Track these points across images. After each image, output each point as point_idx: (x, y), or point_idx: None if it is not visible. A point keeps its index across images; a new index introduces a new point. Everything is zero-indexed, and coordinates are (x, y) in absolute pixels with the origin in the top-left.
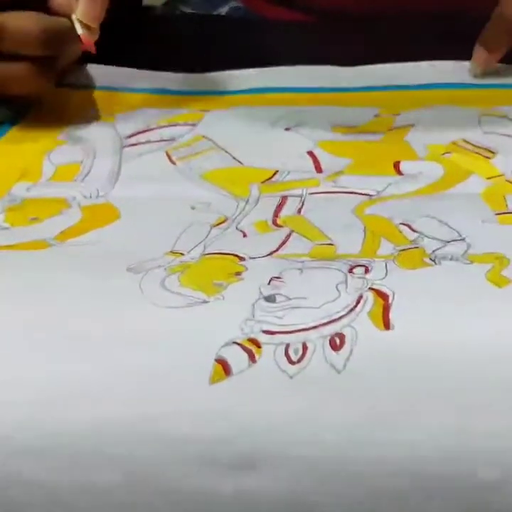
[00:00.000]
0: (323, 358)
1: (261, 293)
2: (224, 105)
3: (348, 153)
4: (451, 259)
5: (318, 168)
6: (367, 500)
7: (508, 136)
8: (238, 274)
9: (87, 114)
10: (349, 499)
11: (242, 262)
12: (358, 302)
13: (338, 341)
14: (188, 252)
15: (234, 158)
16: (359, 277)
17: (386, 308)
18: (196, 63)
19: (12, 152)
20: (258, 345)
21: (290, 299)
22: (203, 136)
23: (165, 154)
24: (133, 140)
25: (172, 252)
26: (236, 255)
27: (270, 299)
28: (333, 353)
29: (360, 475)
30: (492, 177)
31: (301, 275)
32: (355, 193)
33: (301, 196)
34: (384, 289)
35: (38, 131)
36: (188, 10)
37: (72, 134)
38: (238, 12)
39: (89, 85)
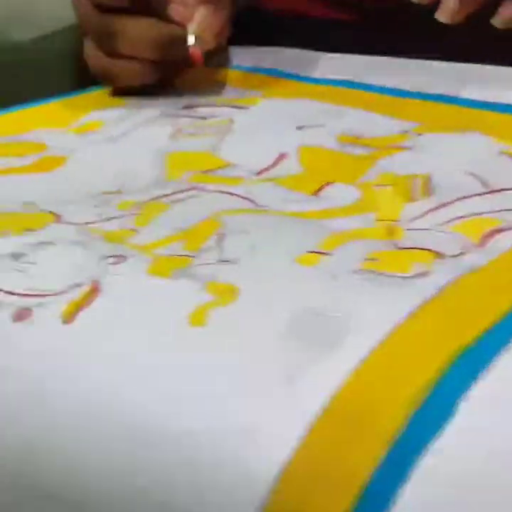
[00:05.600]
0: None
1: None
2: (288, 93)
3: (311, 163)
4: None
5: (264, 171)
6: None
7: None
8: (30, 230)
9: None
10: None
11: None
12: (72, 288)
13: (21, 315)
14: None
15: (215, 144)
16: (102, 265)
17: (85, 304)
18: None
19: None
20: None
21: (32, 263)
22: (230, 120)
23: (171, 129)
24: (175, 112)
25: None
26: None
27: (15, 256)
28: (11, 322)
29: None
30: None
31: (51, 246)
32: (249, 199)
33: (204, 190)
34: (103, 284)
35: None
36: None
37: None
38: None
39: None
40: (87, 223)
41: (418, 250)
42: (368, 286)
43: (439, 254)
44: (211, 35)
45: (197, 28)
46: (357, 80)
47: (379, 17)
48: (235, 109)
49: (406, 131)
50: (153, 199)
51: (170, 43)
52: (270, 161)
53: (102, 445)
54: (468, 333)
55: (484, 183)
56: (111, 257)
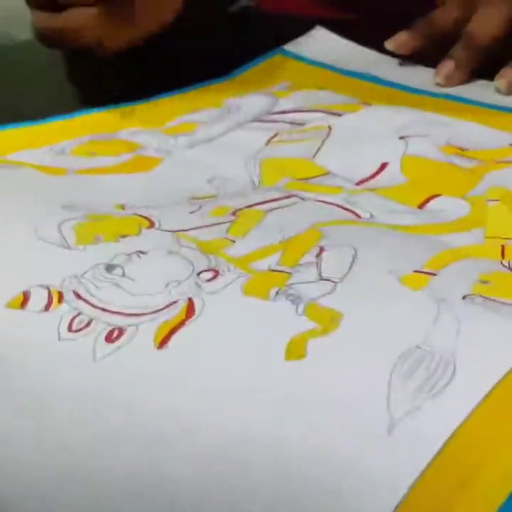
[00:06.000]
0: (93, 340)
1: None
2: (388, 101)
3: (415, 174)
4: (288, 298)
5: (365, 180)
6: None
7: None
8: (123, 236)
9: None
10: None
11: (146, 229)
12: (166, 307)
13: (115, 334)
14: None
15: (313, 151)
16: (197, 282)
17: (178, 326)
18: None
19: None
20: (59, 299)
21: (125, 276)
22: (328, 126)
23: (268, 133)
24: (271, 117)
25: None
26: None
27: (109, 268)
28: (104, 341)
29: None
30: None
31: (145, 257)
32: (350, 210)
33: (302, 198)
34: (197, 303)
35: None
36: None
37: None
38: (250, 10)
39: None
40: (182, 230)
41: None
42: (481, 316)
43: None
44: None
45: None
46: (456, 93)
47: (378, 16)
48: (332, 116)
49: None
50: (249, 206)
51: None
52: (371, 171)
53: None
54: None
55: None
56: (206, 271)
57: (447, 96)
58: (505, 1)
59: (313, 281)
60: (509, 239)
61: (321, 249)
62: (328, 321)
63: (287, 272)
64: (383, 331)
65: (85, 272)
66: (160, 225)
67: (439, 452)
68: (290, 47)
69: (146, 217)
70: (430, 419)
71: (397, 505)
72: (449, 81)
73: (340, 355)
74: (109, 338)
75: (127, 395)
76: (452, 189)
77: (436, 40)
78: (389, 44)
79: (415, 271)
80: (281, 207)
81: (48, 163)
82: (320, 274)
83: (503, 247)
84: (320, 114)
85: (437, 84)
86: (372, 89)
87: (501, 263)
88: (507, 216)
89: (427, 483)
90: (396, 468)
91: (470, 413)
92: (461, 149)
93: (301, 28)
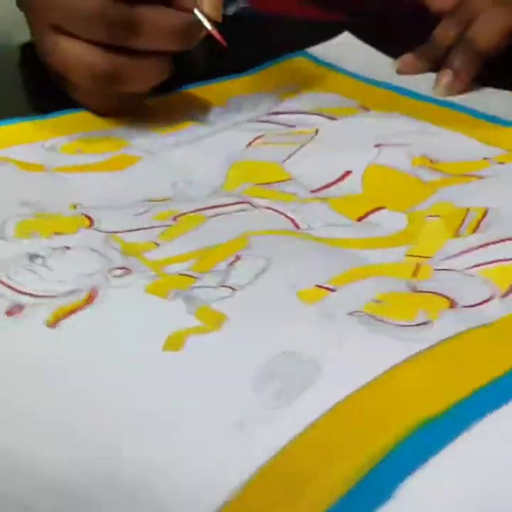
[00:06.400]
0: None
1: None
2: (387, 106)
3: (372, 184)
4: (184, 299)
5: (322, 188)
6: None
7: None
8: (58, 234)
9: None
10: None
11: (84, 228)
12: (70, 293)
13: (16, 310)
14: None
15: (285, 155)
16: (107, 277)
17: (74, 310)
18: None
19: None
20: None
21: (44, 265)
22: (317, 130)
23: (251, 135)
24: (266, 117)
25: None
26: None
27: (32, 257)
28: (4, 315)
29: None
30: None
31: (68, 252)
32: (292, 220)
33: (254, 205)
34: (99, 294)
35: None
36: None
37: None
38: (246, 12)
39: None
40: (115, 232)
41: (433, 295)
42: (359, 333)
43: (452, 303)
44: (219, 15)
45: (211, 11)
46: (460, 102)
47: (367, 18)
48: (325, 119)
49: (487, 158)
50: (194, 211)
51: (189, 30)
52: (332, 178)
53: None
54: (435, 405)
55: None
56: (119, 269)
57: (451, 104)
58: (506, 8)
59: (213, 287)
60: (428, 258)
61: (237, 258)
62: (213, 322)
63: (194, 277)
64: (259, 336)
65: (10, 258)
66: (99, 226)
67: (271, 459)
68: (314, 50)
69: (89, 217)
70: (272, 427)
71: (221, 507)
72: (449, 91)
73: (212, 354)
74: (10, 313)
75: (15, 366)
76: (401, 202)
77: (440, 60)
78: (395, 65)
79: (317, 285)
80: (225, 213)
81: (34, 160)
82: (224, 281)
83: (417, 265)
84: (316, 117)
85: (437, 94)
86: (378, 93)
87: (408, 282)
88: (438, 234)
89: (254, 488)
90: (225, 471)
91: (311, 424)
92: (433, 161)
93: (289, 29)
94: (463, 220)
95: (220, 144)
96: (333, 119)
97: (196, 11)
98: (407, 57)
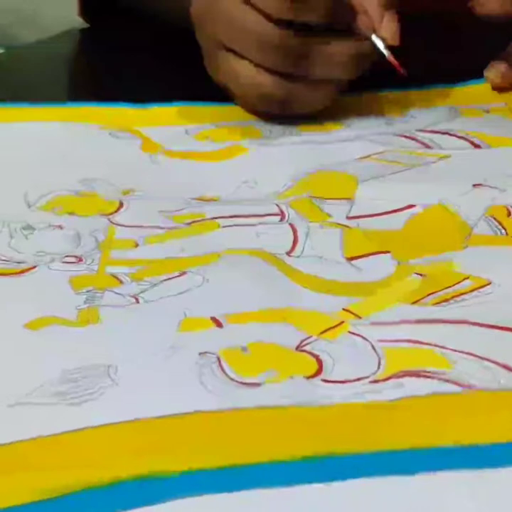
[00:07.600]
0: None
1: None
2: None
3: (415, 225)
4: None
5: (358, 216)
6: None
7: None
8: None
9: None
10: None
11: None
12: (17, 263)
13: None
14: None
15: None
16: (56, 258)
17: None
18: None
19: None
20: None
21: (27, 238)
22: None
23: (373, 150)
24: (415, 133)
25: None
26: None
27: (26, 228)
28: None
29: None
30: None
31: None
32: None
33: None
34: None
35: None
36: None
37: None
38: None
39: None
40: (119, 224)
41: (310, 358)
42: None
43: (318, 371)
44: (397, 40)
45: (389, 36)
46: None
47: None
48: (468, 144)
49: None
50: (214, 218)
51: (361, 60)
52: (388, 208)
53: None
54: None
55: None
56: (74, 256)
57: None
58: None
59: (121, 294)
60: (358, 317)
61: (182, 274)
62: (86, 318)
63: (120, 281)
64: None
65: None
66: (122, 212)
67: None
68: None
69: (121, 203)
70: None
71: None
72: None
73: (61, 345)
74: None
75: None
76: (420, 249)
77: None
78: (489, 73)
79: (211, 317)
80: (240, 224)
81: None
82: (140, 292)
83: (340, 323)
84: (462, 142)
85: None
86: None
87: (305, 337)
88: (392, 296)
89: None
90: None
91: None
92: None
93: None
94: (447, 287)
95: (336, 153)
96: (477, 146)
97: (374, 38)
98: (499, 67)
